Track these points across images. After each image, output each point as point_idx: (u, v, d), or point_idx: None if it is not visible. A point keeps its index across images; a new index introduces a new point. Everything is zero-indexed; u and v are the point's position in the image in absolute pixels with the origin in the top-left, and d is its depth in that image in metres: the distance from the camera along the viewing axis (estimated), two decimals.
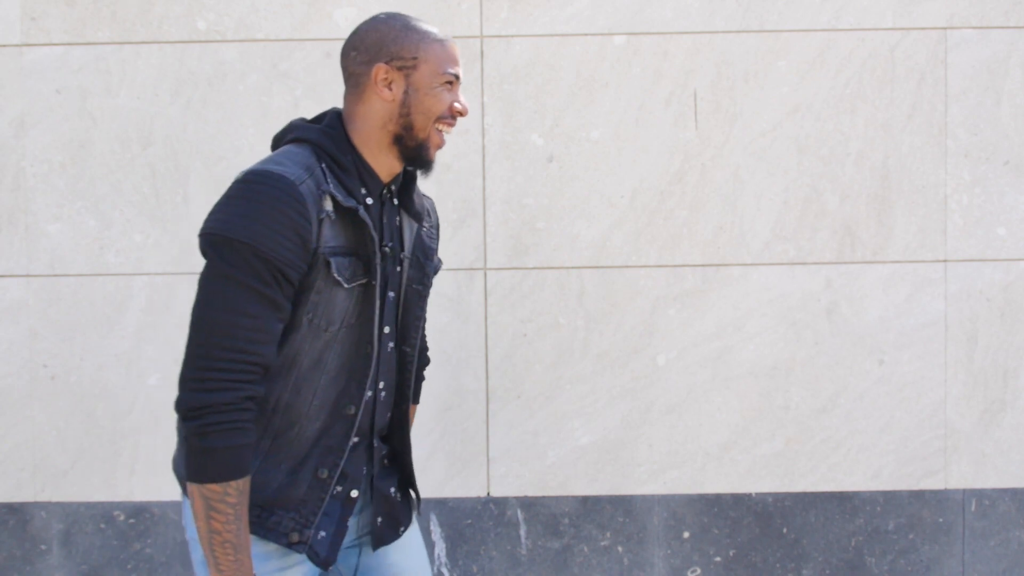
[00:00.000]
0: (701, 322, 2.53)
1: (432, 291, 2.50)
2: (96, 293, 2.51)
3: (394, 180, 1.57)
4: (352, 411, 1.48)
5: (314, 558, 1.46)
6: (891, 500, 2.56)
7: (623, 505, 2.55)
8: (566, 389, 2.54)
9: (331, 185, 1.42)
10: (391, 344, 1.56)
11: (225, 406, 1.33)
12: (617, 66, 2.51)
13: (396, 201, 1.58)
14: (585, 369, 2.54)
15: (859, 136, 2.52)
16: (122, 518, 2.54)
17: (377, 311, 1.47)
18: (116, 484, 2.53)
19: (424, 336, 1.73)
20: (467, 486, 2.55)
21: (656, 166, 2.52)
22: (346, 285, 1.43)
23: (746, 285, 2.53)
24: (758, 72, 2.51)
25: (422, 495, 2.54)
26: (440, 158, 2.50)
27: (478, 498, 2.55)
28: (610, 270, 2.53)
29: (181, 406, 1.33)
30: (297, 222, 1.36)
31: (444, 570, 2.55)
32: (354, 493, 1.52)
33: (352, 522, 1.58)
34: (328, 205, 1.41)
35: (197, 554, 1.50)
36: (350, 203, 1.42)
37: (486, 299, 2.53)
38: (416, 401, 1.79)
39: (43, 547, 2.54)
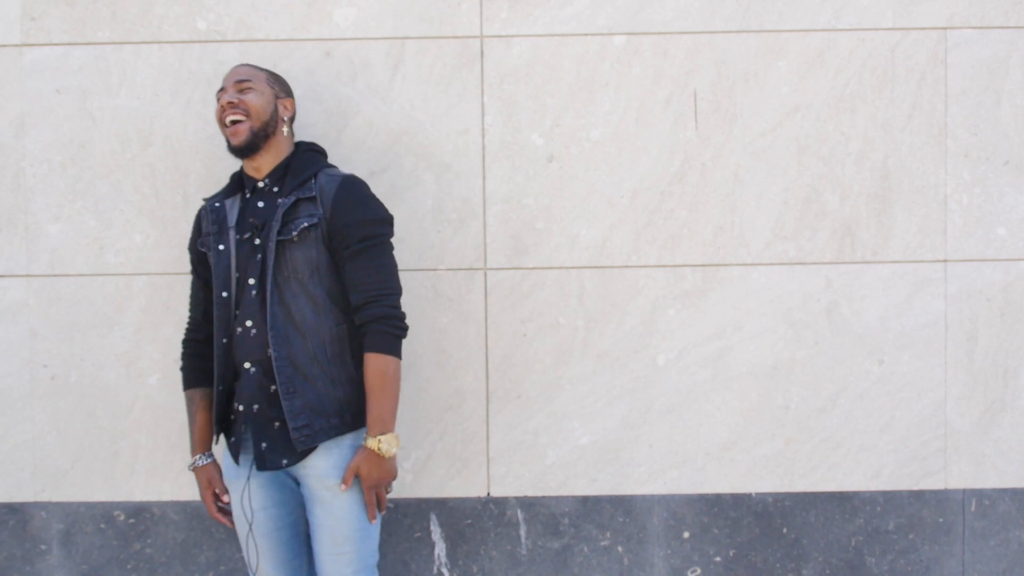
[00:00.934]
0: (701, 322, 2.53)
1: (432, 291, 2.50)
2: (96, 293, 2.51)
3: (272, 174, 2.13)
4: (224, 341, 2.07)
5: (232, 454, 2.12)
6: (891, 500, 2.56)
7: (623, 505, 2.55)
8: (566, 389, 2.54)
9: (213, 195, 2.21)
10: (254, 292, 2.05)
11: (181, 345, 2.24)
12: (617, 66, 2.51)
13: (277, 188, 2.11)
14: (585, 369, 2.53)
15: (859, 136, 2.52)
16: (122, 518, 2.54)
17: (222, 266, 2.07)
18: (116, 484, 2.53)
19: (368, 289, 2.04)
20: (467, 486, 2.55)
21: (656, 166, 2.52)
22: (209, 252, 2.12)
23: (746, 285, 2.53)
24: (758, 72, 2.51)
25: (423, 495, 2.54)
26: (440, 158, 2.50)
27: (478, 498, 2.55)
28: (610, 270, 2.53)
29: None
30: (194, 225, 2.22)
31: (444, 570, 2.55)
32: (240, 408, 2.07)
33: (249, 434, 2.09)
34: (207, 206, 2.17)
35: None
36: (206, 202, 2.17)
37: (486, 299, 2.53)
38: (378, 350, 2.02)
39: (43, 547, 2.54)
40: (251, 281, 2.06)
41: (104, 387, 2.52)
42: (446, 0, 2.49)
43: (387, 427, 2.01)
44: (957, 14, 2.52)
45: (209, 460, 2.18)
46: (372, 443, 2.00)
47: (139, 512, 2.54)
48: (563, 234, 2.52)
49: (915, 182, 2.53)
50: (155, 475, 2.53)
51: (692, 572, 2.57)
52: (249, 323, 2.05)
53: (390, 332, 2.03)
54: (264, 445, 2.03)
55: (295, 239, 2.04)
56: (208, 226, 2.13)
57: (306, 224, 2.04)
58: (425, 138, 2.50)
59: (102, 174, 2.50)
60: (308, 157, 2.16)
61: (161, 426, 2.52)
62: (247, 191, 2.15)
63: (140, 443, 2.53)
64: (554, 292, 2.53)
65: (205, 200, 2.20)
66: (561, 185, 2.52)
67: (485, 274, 2.53)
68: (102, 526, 2.54)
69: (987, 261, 2.54)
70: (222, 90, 2.14)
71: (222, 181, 2.49)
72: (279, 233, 2.04)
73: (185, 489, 2.53)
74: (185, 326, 2.25)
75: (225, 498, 2.15)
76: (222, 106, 2.11)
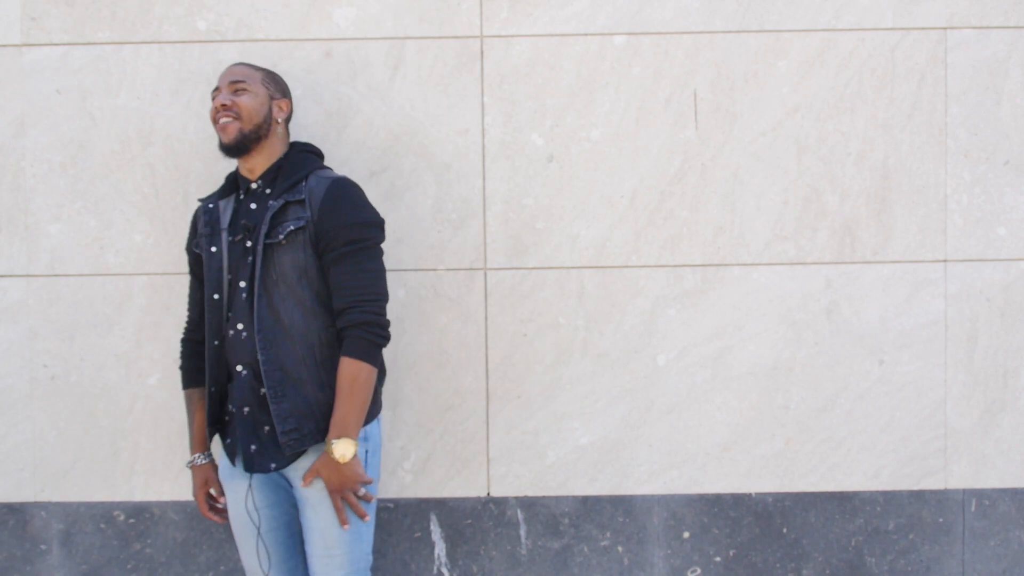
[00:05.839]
0: (701, 322, 2.53)
1: (432, 291, 2.50)
2: (96, 293, 2.51)
3: (265, 175, 2.12)
4: (216, 343, 2.08)
5: (228, 456, 2.13)
6: (891, 500, 2.56)
7: (623, 505, 2.55)
8: (566, 389, 2.54)
9: (208, 195, 2.23)
10: (244, 295, 2.04)
11: (180, 344, 2.33)
12: (617, 66, 2.51)
13: (269, 190, 2.10)
14: (585, 369, 2.53)
15: (859, 136, 2.52)
16: (122, 518, 2.54)
17: (214, 268, 2.08)
18: (116, 484, 2.53)
19: (351, 293, 2.01)
20: (467, 486, 2.55)
21: (656, 166, 2.52)
22: (203, 253, 2.12)
23: (746, 285, 2.53)
24: (758, 72, 2.51)
25: (423, 495, 2.54)
26: (440, 158, 2.50)
27: (478, 498, 2.55)
28: (610, 270, 2.53)
29: None
30: (191, 226, 2.24)
31: (444, 570, 2.55)
32: (232, 409, 2.08)
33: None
34: (201, 206, 2.19)
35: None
36: (201, 203, 2.20)
37: (486, 299, 2.53)
38: (350, 355, 2.00)
39: (43, 547, 2.54)
40: (242, 284, 2.05)
41: (104, 387, 2.52)
42: (446, 0, 2.49)
43: (347, 431, 1.96)
44: (957, 14, 2.52)
45: (207, 460, 2.19)
46: (328, 447, 1.97)
47: (139, 512, 2.54)
48: (563, 234, 2.52)
49: (915, 182, 2.53)
50: (155, 475, 2.53)
51: (692, 572, 2.57)
52: (240, 326, 2.05)
53: (368, 339, 2.00)
54: (253, 448, 2.04)
55: (283, 242, 2.03)
56: (202, 228, 2.14)
57: (293, 227, 2.03)
58: (425, 138, 2.50)
59: (102, 174, 2.50)
60: (301, 159, 2.14)
61: (161, 426, 2.52)
62: (241, 192, 2.15)
63: (140, 443, 2.53)
64: (554, 292, 2.53)
65: (201, 201, 2.22)
66: (561, 185, 2.52)
67: (485, 274, 2.53)
68: (102, 526, 2.54)
69: (987, 261, 2.54)
70: (216, 90, 2.15)
71: (221, 181, 2.49)
72: (267, 236, 2.03)
73: (185, 489, 2.53)
74: (183, 326, 2.28)
75: (222, 499, 2.19)
76: (215, 107, 2.11)
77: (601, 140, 2.51)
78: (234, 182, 2.19)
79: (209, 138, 2.50)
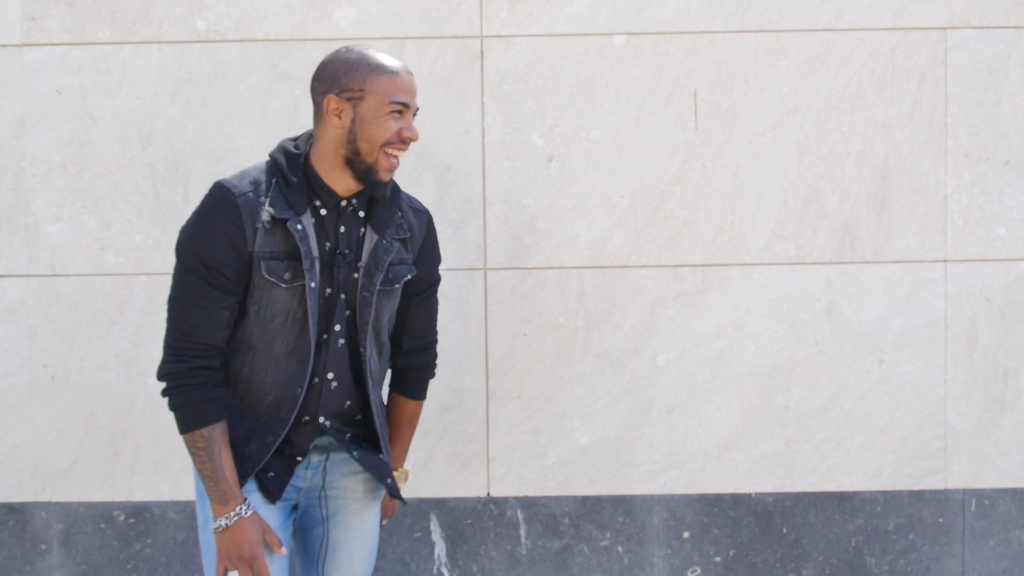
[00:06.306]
0: (701, 322, 2.53)
1: None
2: (96, 293, 2.51)
3: (359, 194, 1.76)
4: (298, 392, 1.73)
5: (263, 491, 1.76)
6: (891, 500, 2.56)
7: (623, 505, 2.55)
8: (566, 389, 2.54)
9: (268, 199, 1.69)
10: (341, 341, 1.76)
11: (177, 374, 1.68)
12: (617, 66, 2.51)
13: (362, 213, 1.78)
14: (585, 369, 2.54)
15: (859, 136, 2.52)
16: (122, 518, 2.54)
17: (316, 310, 1.71)
18: (116, 484, 2.53)
19: (423, 334, 1.93)
20: (467, 486, 2.55)
21: (656, 166, 2.52)
22: (283, 285, 1.70)
23: (746, 285, 2.53)
24: (758, 72, 2.52)
25: (423, 495, 2.54)
26: (440, 158, 2.50)
27: (478, 498, 2.55)
28: (610, 270, 2.53)
29: (157, 375, 1.72)
30: (229, 229, 1.67)
31: (444, 570, 2.56)
32: (299, 458, 1.78)
33: (303, 474, 1.81)
34: (264, 216, 1.68)
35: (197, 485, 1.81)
36: (283, 215, 1.68)
37: (486, 299, 2.53)
38: (418, 398, 1.98)
39: (43, 547, 2.54)
40: (337, 328, 1.75)
41: (104, 387, 2.52)
42: (446, 0, 2.49)
43: (403, 462, 2.04)
44: (957, 14, 2.52)
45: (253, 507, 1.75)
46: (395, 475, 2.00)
47: (139, 512, 2.54)
48: (563, 234, 2.52)
49: (915, 182, 2.53)
50: (155, 475, 2.53)
51: (692, 572, 2.57)
52: (331, 375, 1.76)
53: (428, 379, 1.99)
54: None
55: (396, 290, 1.82)
56: (304, 253, 1.70)
57: (408, 277, 1.82)
58: (425, 138, 2.50)
59: (102, 174, 2.50)
60: (391, 181, 1.82)
61: (161, 426, 2.52)
62: (320, 207, 1.74)
63: (140, 443, 2.53)
64: (554, 292, 2.53)
65: (269, 210, 1.69)
66: (561, 185, 2.52)
67: (485, 274, 2.53)
68: (102, 526, 2.54)
69: (987, 261, 2.54)
70: (403, 106, 1.71)
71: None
72: (382, 283, 1.77)
73: (185, 489, 2.53)
74: (178, 347, 1.70)
75: (283, 550, 1.74)
76: (403, 138, 1.72)
77: (601, 140, 2.52)
78: (305, 187, 1.74)
79: (209, 138, 2.50)
